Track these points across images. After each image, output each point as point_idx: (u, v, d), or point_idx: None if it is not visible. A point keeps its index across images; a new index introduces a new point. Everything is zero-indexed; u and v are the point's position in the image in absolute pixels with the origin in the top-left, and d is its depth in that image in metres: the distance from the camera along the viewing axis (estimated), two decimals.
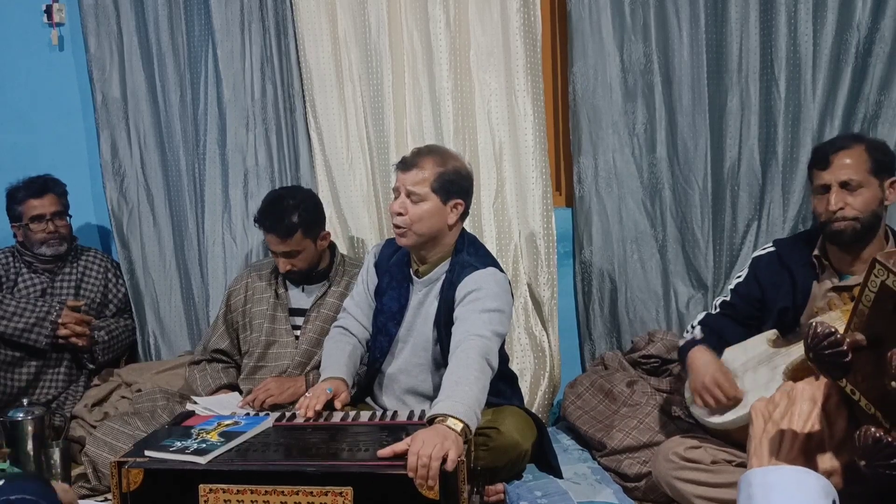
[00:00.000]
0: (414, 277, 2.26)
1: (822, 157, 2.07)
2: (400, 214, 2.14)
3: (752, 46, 2.64)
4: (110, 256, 3.19)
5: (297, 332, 2.60)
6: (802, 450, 0.86)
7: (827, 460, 0.86)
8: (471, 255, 2.20)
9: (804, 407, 0.88)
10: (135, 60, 3.08)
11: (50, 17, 3.18)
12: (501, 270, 2.22)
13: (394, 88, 2.82)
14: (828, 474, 0.84)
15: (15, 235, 2.99)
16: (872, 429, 0.77)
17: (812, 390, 0.89)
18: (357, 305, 2.39)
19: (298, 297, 2.63)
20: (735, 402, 2.01)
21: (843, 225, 2.01)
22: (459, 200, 2.16)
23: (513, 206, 2.85)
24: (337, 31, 2.86)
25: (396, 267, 2.29)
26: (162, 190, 3.13)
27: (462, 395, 1.85)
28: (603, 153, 2.81)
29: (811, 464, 0.86)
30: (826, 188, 2.04)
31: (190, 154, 3.08)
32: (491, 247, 2.83)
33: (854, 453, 0.79)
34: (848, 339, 0.80)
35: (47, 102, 3.25)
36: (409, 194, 2.14)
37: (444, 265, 2.21)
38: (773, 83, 2.65)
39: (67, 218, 2.99)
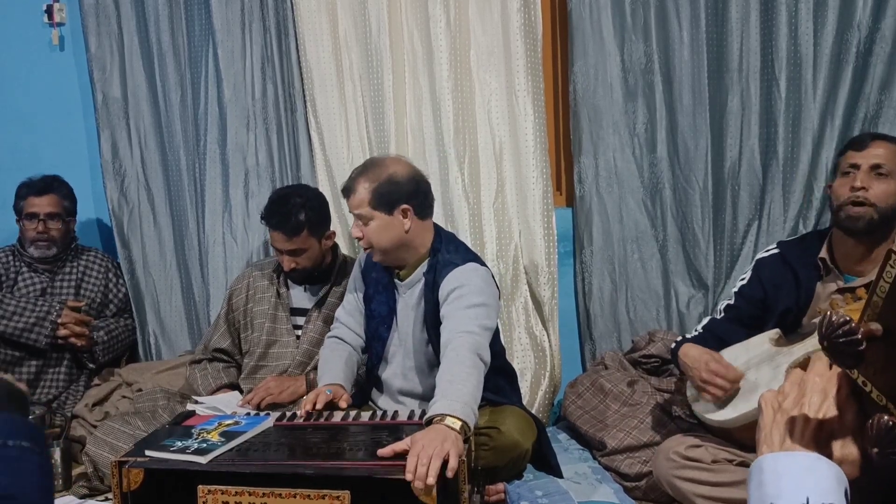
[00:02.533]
0: (397, 282, 2.26)
1: (859, 140, 2.12)
2: (359, 238, 2.19)
3: (753, 46, 2.64)
4: (111, 256, 3.19)
5: (298, 332, 2.60)
6: (813, 439, 0.87)
7: (837, 450, 0.86)
8: (450, 252, 2.19)
9: (814, 398, 0.89)
10: (135, 60, 3.08)
11: (50, 16, 3.18)
12: (483, 265, 2.22)
13: (394, 88, 2.82)
14: (838, 463, 0.85)
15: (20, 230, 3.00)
16: (885, 417, 0.77)
17: (822, 382, 0.90)
18: (349, 314, 2.39)
19: (300, 297, 2.63)
20: (737, 382, 2.03)
21: (861, 210, 2.02)
22: (405, 206, 2.14)
23: (513, 205, 2.85)
24: (337, 31, 2.87)
25: (381, 272, 2.30)
26: (162, 189, 3.14)
27: (457, 393, 1.85)
28: (603, 153, 2.81)
29: (822, 453, 0.86)
30: (855, 167, 2.06)
31: (190, 154, 3.09)
32: (491, 247, 2.83)
33: (865, 441, 0.79)
34: (862, 328, 0.80)
35: (48, 102, 3.26)
36: (357, 217, 2.17)
37: (423, 267, 2.21)
38: (773, 83, 2.65)
39: (67, 221, 2.98)
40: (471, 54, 2.80)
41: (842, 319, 0.80)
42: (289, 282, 2.63)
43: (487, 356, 2.01)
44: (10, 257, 2.97)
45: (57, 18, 3.18)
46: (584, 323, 2.95)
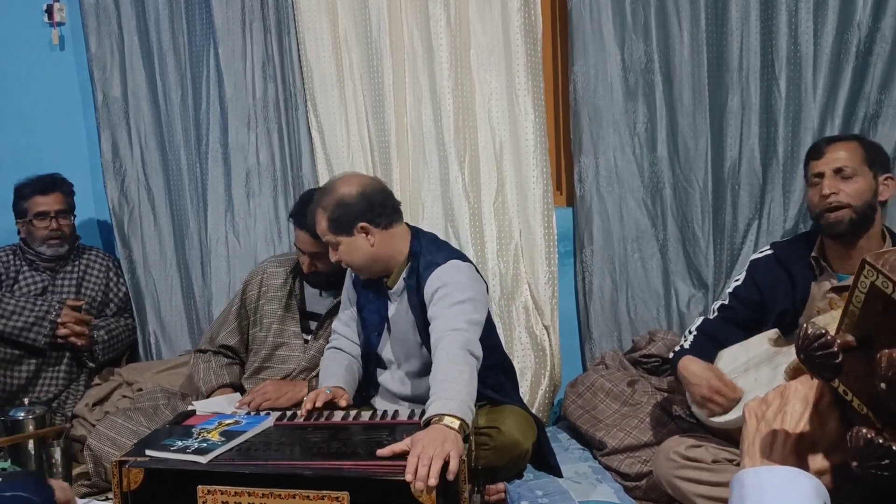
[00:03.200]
0: (387, 290, 2.27)
1: (816, 149, 2.15)
2: (339, 262, 2.22)
3: (753, 45, 2.64)
4: (112, 255, 3.19)
5: (307, 336, 2.57)
6: (794, 449, 0.87)
7: (819, 460, 0.86)
8: (431, 253, 2.20)
9: (797, 406, 0.89)
10: (135, 60, 3.09)
11: (51, 16, 3.18)
12: (466, 260, 2.22)
13: (394, 87, 2.82)
14: (819, 474, 0.85)
15: (19, 232, 3.00)
16: (864, 430, 0.77)
17: (805, 390, 0.90)
18: (346, 325, 2.39)
19: (314, 301, 2.59)
20: (736, 401, 2.01)
21: (839, 214, 2.04)
22: (361, 224, 2.14)
23: (513, 205, 2.84)
24: (338, 30, 2.87)
25: (371, 281, 2.30)
26: (163, 189, 3.14)
27: (451, 392, 1.84)
28: (604, 152, 2.81)
29: (803, 463, 0.86)
30: (820, 176, 2.09)
31: (191, 153, 3.09)
32: (491, 246, 2.83)
33: (846, 454, 0.79)
34: (839, 341, 0.80)
35: (48, 102, 3.26)
36: (328, 244, 2.21)
37: (405, 272, 2.22)
38: (773, 82, 2.64)
39: (72, 218, 3.00)
40: (471, 53, 2.80)
41: (818, 332, 0.80)
42: (304, 284, 2.59)
43: (478, 351, 2.01)
44: (11, 256, 2.98)
45: (57, 18, 3.19)
46: (584, 322, 2.95)
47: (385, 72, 2.82)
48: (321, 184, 2.88)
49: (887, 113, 2.57)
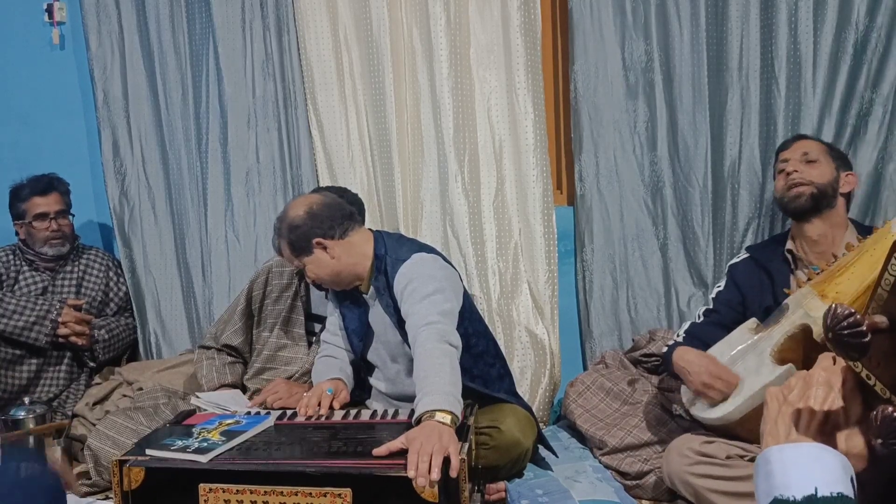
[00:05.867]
0: (364, 296, 2.29)
1: (784, 143, 2.43)
2: (314, 281, 2.29)
3: (753, 44, 2.64)
4: (112, 255, 3.19)
5: (312, 339, 2.57)
6: (819, 430, 0.87)
7: (842, 442, 0.87)
8: (395, 252, 2.21)
9: (820, 391, 0.89)
10: (136, 59, 3.09)
11: (51, 15, 3.19)
12: (431, 251, 2.24)
13: (394, 86, 2.83)
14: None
15: (17, 234, 3.00)
16: (889, 408, 0.78)
17: (827, 375, 0.90)
18: (333, 335, 2.40)
19: (319, 304, 2.58)
20: (734, 386, 2.03)
21: (800, 190, 2.23)
22: (316, 240, 2.18)
23: (513, 204, 2.85)
24: (337, 29, 2.87)
25: (347, 291, 2.32)
26: (163, 188, 3.14)
27: (435, 386, 1.85)
28: (604, 151, 2.81)
29: (827, 444, 0.86)
30: (786, 161, 2.32)
31: (192, 152, 3.09)
32: (490, 245, 2.83)
33: (869, 433, 0.79)
34: (867, 321, 0.80)
35: (48, 101, 3.26)
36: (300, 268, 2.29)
37: (374, 275, 2.24)
38: (773, 81, 2.65)
39: (70, 217, 3.00)
40: (471, 52, 2.80)
41: (846, 311, 0.80)
42: (310, 286, 2.56)
43: (456, 340, 2.01)
44: (11, 256, 2.98)
45: (57, 17, 3.19)
46: (584, 321, 2.95)
47: (385, 70, 2.82)
48: (321, 183, 2.89)
49: (877, 111, 2.58)
